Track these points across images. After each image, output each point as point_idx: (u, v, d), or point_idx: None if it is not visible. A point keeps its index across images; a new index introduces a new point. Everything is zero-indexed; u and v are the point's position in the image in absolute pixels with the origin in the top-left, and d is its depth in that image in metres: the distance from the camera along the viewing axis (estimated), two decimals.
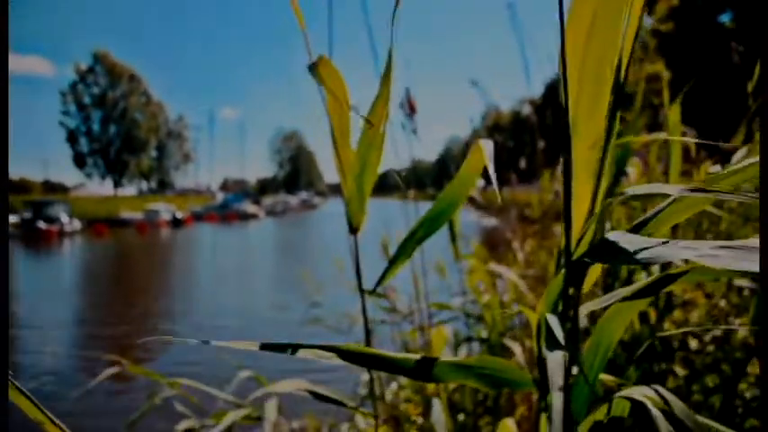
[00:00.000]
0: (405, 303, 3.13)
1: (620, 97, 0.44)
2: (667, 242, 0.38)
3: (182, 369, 6.28)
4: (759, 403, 1.44)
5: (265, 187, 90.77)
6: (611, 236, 0.42)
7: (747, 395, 1.52)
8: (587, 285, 0.51)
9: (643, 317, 1.66)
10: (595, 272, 0.52)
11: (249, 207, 47.60)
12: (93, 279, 16.65)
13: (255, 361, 1.91)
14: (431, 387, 1.97)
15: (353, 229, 0.83)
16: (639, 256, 0.38)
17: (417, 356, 0.47)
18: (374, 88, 0.81)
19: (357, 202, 0.81)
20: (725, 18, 17.94)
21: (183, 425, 1.95)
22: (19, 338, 8.57)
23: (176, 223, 38.40)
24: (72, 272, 18.57)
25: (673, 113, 1.29)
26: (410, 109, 1.75)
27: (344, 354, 0.47)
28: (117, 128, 61.89)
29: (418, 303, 2.55)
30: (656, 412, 0.48)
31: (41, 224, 29.34)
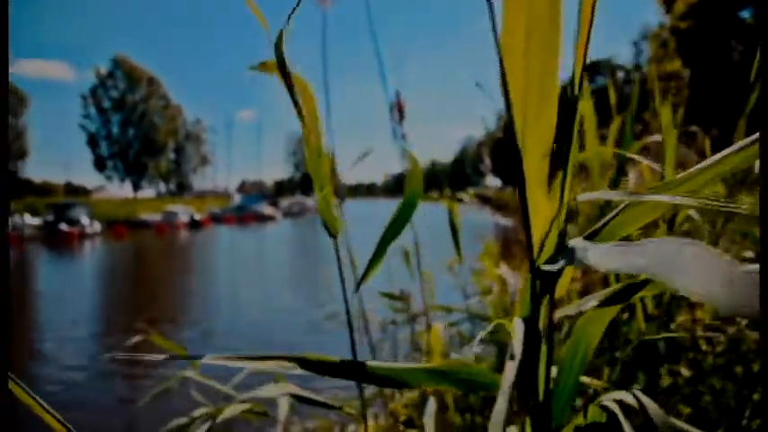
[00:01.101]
0: (413, 304, 3.13)
1: (571, 107, 0.44)
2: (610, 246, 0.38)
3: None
4: (760, 403, 1.43)
5: (282, 189, 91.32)
6: (570, 242, 0.42)
7: (755, 396, 1.50)
8: (560, 292, 0.51)
9: (650, 318, 1.65)
10: (567, 278, 0.52)
11: (266, 209, 47.96)
12: (112, 280, 16.91)
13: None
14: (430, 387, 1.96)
15: (332, 234, 0.85)
16: (577, 258, 0.39)
17: (386, 364, 0.48)
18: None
19: (326, 209, 0.82)
20: (745, 14, 17.61)
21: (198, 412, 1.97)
22: (38, 335, 8.76)
23: (194, 225, 38.88)
24: (93, 272, 18.89)
25: (664, 115, 1.27)
26: (399, 113, 1.69)
27: (305, 363, 0.48)
28: (136, 131, 62.75)
29: (426, 304, 2.56)
30: (623, 420, 0.48)
31: (63, 226, 29.92)
